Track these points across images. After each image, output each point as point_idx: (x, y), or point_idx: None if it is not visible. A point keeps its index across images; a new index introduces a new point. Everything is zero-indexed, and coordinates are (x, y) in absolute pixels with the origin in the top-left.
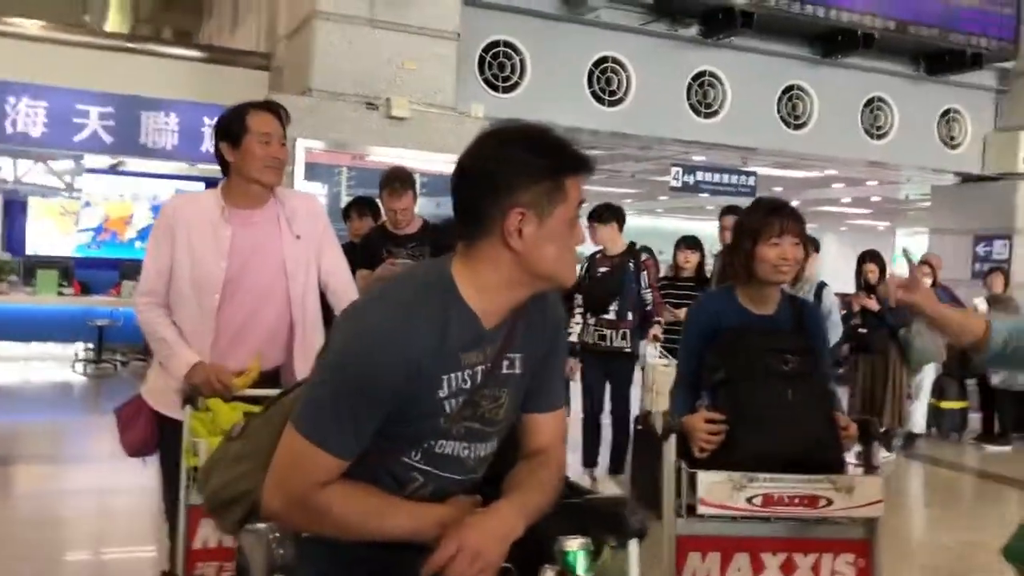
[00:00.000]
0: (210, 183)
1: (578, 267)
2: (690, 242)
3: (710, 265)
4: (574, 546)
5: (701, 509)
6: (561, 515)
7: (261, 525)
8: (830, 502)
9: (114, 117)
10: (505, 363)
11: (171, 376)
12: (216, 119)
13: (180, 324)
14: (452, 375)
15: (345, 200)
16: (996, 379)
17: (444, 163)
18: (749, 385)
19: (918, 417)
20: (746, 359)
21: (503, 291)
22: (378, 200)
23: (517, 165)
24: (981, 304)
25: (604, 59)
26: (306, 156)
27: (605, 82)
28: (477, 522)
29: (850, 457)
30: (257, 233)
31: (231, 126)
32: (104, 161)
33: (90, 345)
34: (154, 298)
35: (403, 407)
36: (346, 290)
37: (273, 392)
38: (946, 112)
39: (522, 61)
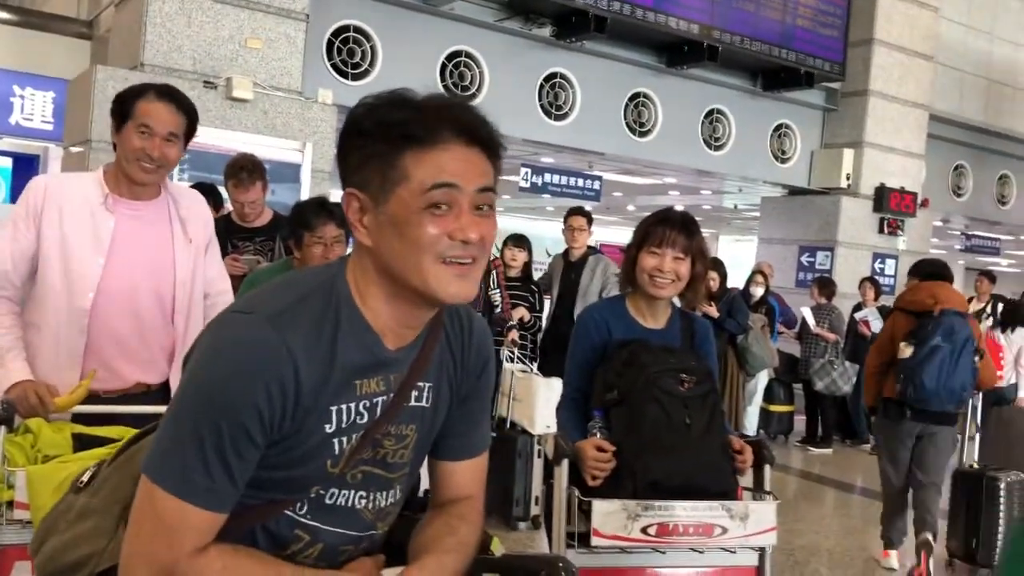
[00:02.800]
0: (19, 159)
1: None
2: (518, 240)
3: (538, 264)
4: None
5: (595, 540)
6: (477, 572)
7: None
8: (725, 530)
9: None
10: (413, 394)
11: None
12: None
13: (43, 324)
14: (343, 406)
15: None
16: (820, 385)
17: (288, 149)
18: (645, 407)
19: (751, 421)
20: (642, 379)
21: (388, 304)
22: (220, 188)
23: (351, 137)
24: (807, 314)
25: (458, 53)
26: None
27: (459, 76)
28: None
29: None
30: (144, 229)
31: (118, 104)
32: None
33: None
34: (4, 291)
35: (281, 445)
36: (227, 303)
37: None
38: (779, 127)
39: (373, 48)
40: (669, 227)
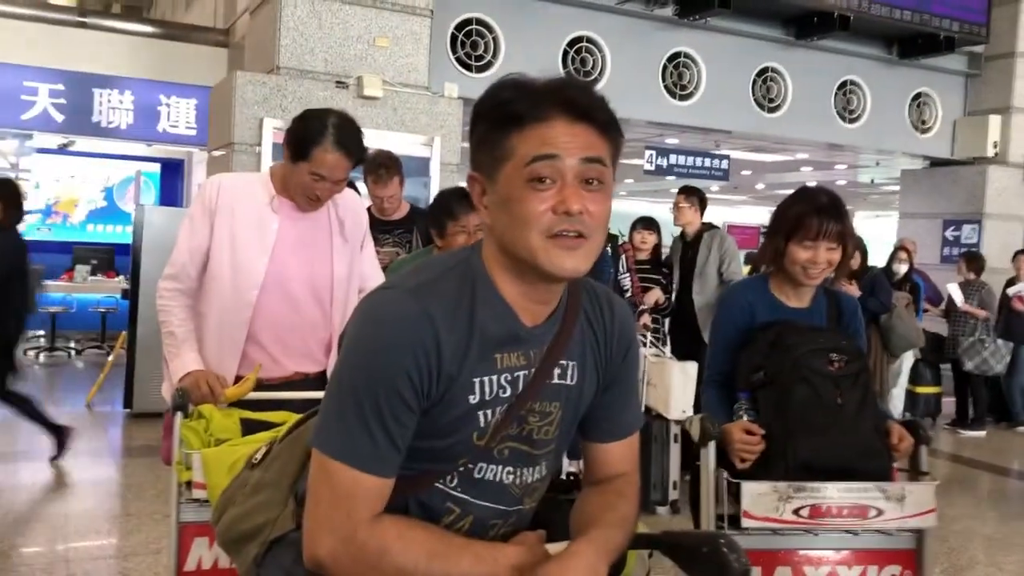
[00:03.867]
0: (167, 165)
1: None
2: (647, 223)
3: (666, 248)
4: None
5: (745, 522)
6: (639, 548)
7: None
8: (880, 512)
9: (65, 95)
10: (556, 371)
11: (170, 376)
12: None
13: (209, 313)
14: (485, 378)
15: None
16: (970, 364)
17: (417, 144)
18: (794, 388)
19: (897, 403)
20: (790, 360)
21: (515, 280)
22: (357, 184)
23: (472, 123)
24: (955, 290)
25: (579, 39)
26: (274, 137)
27: (580, 62)
28: (560, 570)
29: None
30: (306, 230)
31: (295, 142)
32: (53, 140)
33: (41, 333)
34: (181, 283)
35: (431, 413)
36: None
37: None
38: (917, 96)
39: (495, 40)
40: (823, 217)
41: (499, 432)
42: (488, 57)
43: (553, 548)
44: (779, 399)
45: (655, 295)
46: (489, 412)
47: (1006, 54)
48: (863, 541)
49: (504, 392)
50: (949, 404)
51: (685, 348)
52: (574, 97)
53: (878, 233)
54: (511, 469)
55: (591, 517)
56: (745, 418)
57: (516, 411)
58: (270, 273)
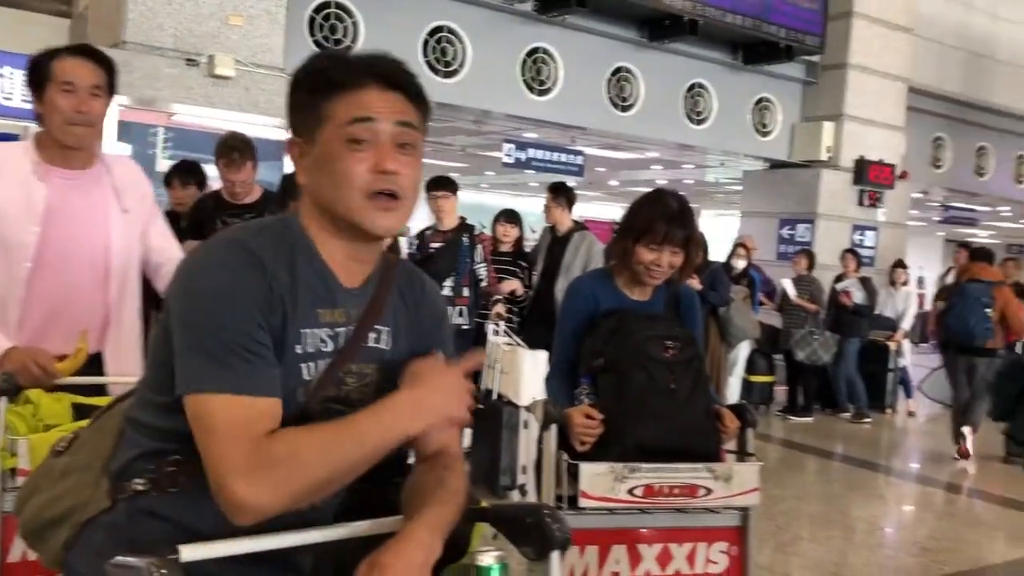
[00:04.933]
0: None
1: (407, 239)
2: (509, 216)
3: (531, 241)
4: (489, 560)
5: (583, 502)
6: (468, 523)
7: (134, 559)
8: (709, 491)
9: None
10: (372, 335)
11: None
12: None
13: None
14: (309, 331)
15: (162, 163)
16: (801, 355)
17: (270, 127)
18: (632, 373)
19: (733, 391)
20: (628, 346)
21: (332, 239)
22: (204, 166)
23: (290, 92)
24: (788, 285)
25: (439, 28)
26: (118, 114)
27: (440, 52)
28: (395, 556)
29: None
30: (79, 199)
31: (33, 71)
32: None
33: None
34: None
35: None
36: None
37: (99, 379)
38: (760, 101)
39: (355, 24)
40: (671, 224)
41: (319, 392)
42: (347, 42)
43: (391, 523)
44: (618, 384)
45: (511, 284)
46: (312, 365)
47: (839, 65)
48: (693, 519)
49: (325, 347)
50: (781, 392)
51: (543, 340)
52: (387, 68)
53: (722, 230)
54: None
55: (422, 495)
56: (586, 402)
57: (335, 371)
58: (41, 245)
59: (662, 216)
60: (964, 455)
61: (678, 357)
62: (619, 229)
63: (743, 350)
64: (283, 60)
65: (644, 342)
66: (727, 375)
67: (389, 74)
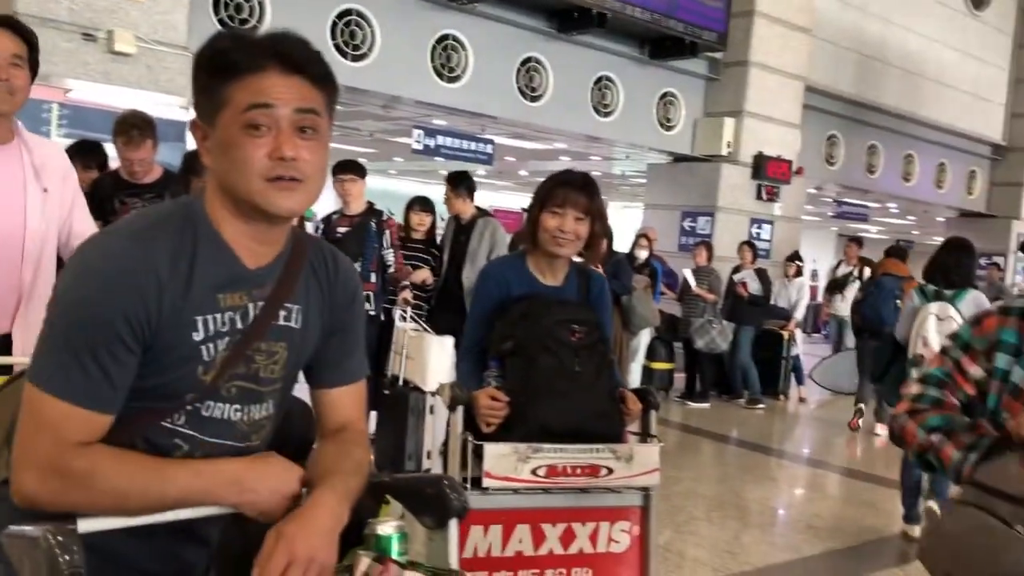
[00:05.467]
0: None
1: (312, 223)
2: (423, 204)
3: (441, 228)
4: (388, 530)
5: (486, 482)
6: (371, 494)
7: (30, 527)
8: (611, 471)
9: None
10: (282, 314)
11: None
12: None
13: None
14: (208, 317)
15: (56, 141)
16: (700, 343)
17: (172, 106)
18: (537, 356)
19: (635, 376)
20: (535, 330)
21: (236, 221)
22: (105, 145)
23: (193, 73)
24: (688, 275)
25: (348, 11)
26: None
27: (349, 35)
28: (301, 524)
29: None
30: None
31: None
32: None
33: None
34: None
35: (155, 349)
36: None
37: (6, 360)
38: (664, 95)
39: (261, 4)
40: (571, 188)
41: (226, 370)
42: (252, 22)
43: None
44: (524, 367)
45: (423, 274)
46: (212, 346)
47: (740, 62)
48: (595, 499)
49: (225, 327)
50: (681, 379)
51: (451, 326)
52: (289, 50)
53: (629, 222)
54: (239, 407)
55: (328, 465)
56: (493, 384)
57: (243, 349)
58: None
59: (562, 182)
60: (855, 427)
61: (584, 341)
62: (528, 209)
63: (644, 337)
64: (187, 38)
65: (552, 326)
66: (629, 361)
67: (291, 57)
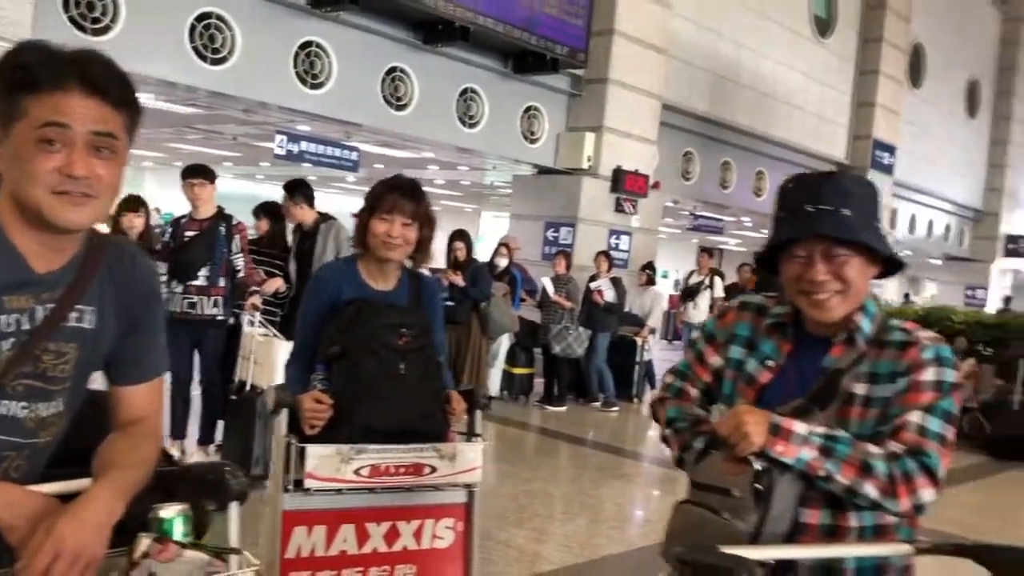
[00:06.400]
0: None
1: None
2: (267, 209)
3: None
4: (170, 513)
5: (308, 483)
6: (158, 483)
7: None
8: (434, 469)
9: None
10: (73, 315)
11: None
12: None
13: None
14: None
15: None
16: (557, 348)
17: None
18: (363, 359)
19: (493, 382)
20: (362, 334)
21: (26, 227)
22: None
23: None
24: (547, 283)
25: (207, 14)
26: None
27: (208, 39)
28: (70, 518)
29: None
30: None
31: None
32: None
33: None
34: None
35: None
36: None
37: None
38: (529, 109)
39: (115, 3)
40: (399, 194)
41: (11, 369)
42: (106, 20)
43: (82, 484)
44: (350, 370)
45: (275, 284)
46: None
47: (601, 79)
48: (419, 497)
49: (10, 328)
50: (541, 384)
51: None
52: (93, 71)
53: (498, 231)
54: (25, 404)
55: (112, 458)
56: (318, 387)
57: (30, 349)
58: None
59: (391, 188)
60: None
61: (412, 345)
62: (358, 214)
63: (504, 343)
64: (31, 35)
65: (379, 330)
66: (488, 367)
67: (94, 78)
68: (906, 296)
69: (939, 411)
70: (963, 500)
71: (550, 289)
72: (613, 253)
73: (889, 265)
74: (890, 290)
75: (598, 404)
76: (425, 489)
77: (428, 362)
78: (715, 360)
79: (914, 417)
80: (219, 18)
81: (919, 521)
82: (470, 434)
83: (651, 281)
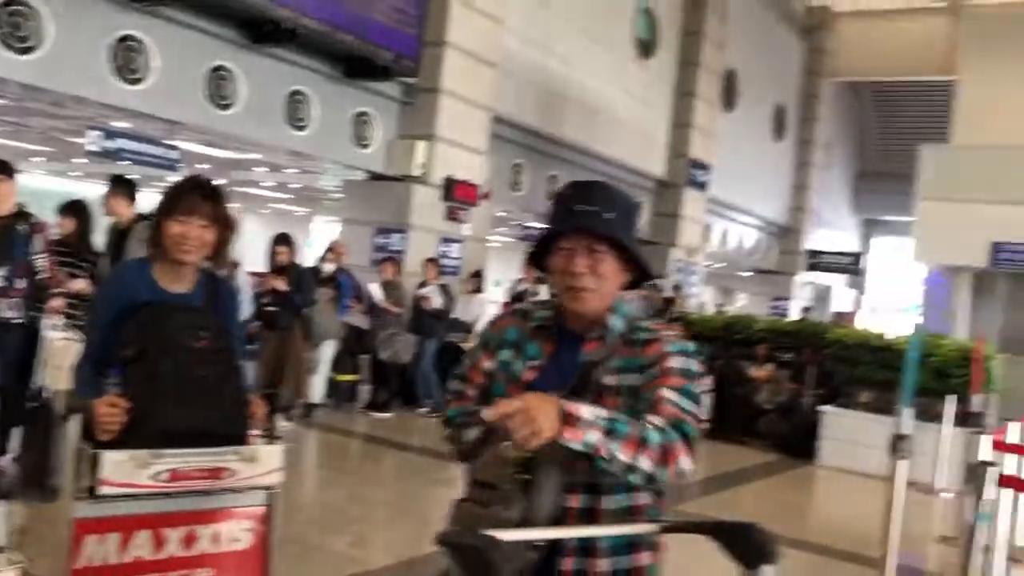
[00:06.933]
0: None
1: None
2: (71, 208)
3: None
4: None
5: (103, 489)
6: None
7: None
8: (234, 472)
9: None
10: None
11: None
12: None
13: None
14: None
15: None
16: (384, 354)
17: None
18: (161, 362)
19: (318, 388)
20: (159, 335)
21: None
22: None
23: None
24: (375, 289)
25: (11, 1)
26: None
27: (13, 27)
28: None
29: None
30: None
31: None
32: None
33: None
34: None
35: None
36: None
37: None
38: (360, 114)
39: None
40: (197, 196)
41: None
42: None
43: None
44: (146, 372)
45: (79, 285)
46: None
47: (433, 89)
48: (219, 500)
49: None
50: (367, 390)
51: None
52: None
53: (332, 236)
54: None
55: None
56: (112, 391)
57: None
58: None
59: (187, 189)
60: None
61: (210, 347)
62: (154, 215)
63: (328, 350)
64: None
65: (176, 332)
66: (310, 373)
67: None
68: (719, 306)
69: (688, 393)
70: (758, 494)
71: (378, 295)
72: (444, 261)
73: (642, 277)
74: (707, 300)
75: (424, 410)
76: (223, 492)
77: (228, 364)
78: (488, 364)
79: (669, 394)
80: (26, 4)
81: (667, 503)
82: (270, 436)
83: (478, 289)
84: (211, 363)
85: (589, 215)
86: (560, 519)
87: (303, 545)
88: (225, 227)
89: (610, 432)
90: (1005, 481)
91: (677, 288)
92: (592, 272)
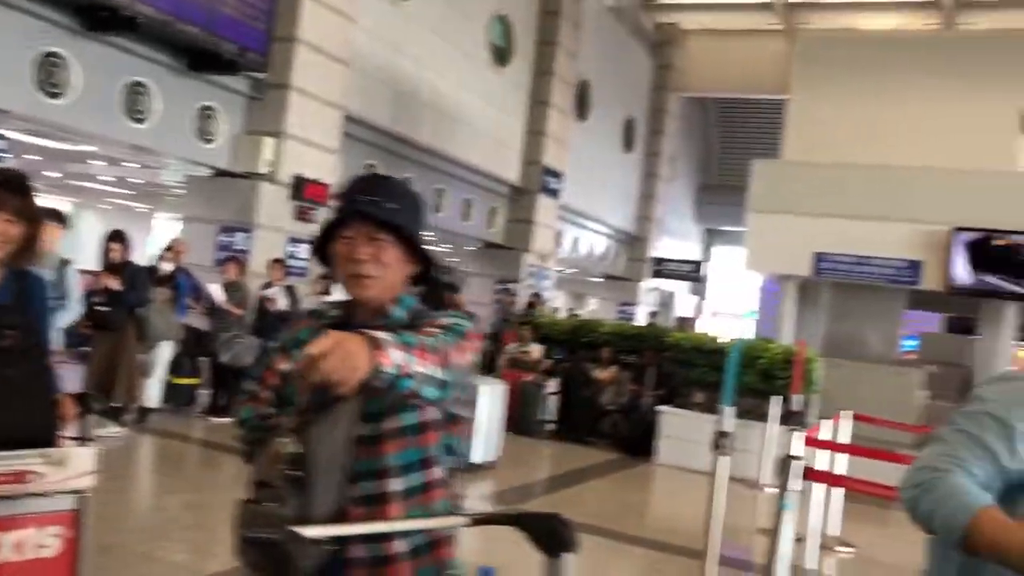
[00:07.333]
0: None
1: None
2: None
3: None
4: None
5: None
6: None
7: None
8: (42, 476)
9: None
10: None
11: None
12: None
13: None
14: None
15: None
16: (225, 357)
17: None
18: None
19: (153, 392)
20: None
21: None
22: None
23: None
24: (216, 290)
25: None
26: None
27: None
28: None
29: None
30: None
31: None
32: None
33: None
34: None
35: None
36: None
37: None
38: (205, 108)
39: None
40: (3, 189)
41: None
42: None
43: None
44: None
45: None
46: None
47: (282, 85)
48: (23, 505)
49: None
50: (205, 394)
51: None
52: None
53: (174, 234)
54: None
55: None
56: None
57: None
58: None
59: None
60: None
61: (15, 345)
62: None
63: (165, 352)
64: None
65: None
66: (145, 376)
67: None
68: (571, 310)
69: (451, 331)
70: (599, 493)
71: (219, 296)
72: (292, 261)
73: (426, 270)
74: (560, 305)
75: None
76: (29, 496)
77: (37, 363)
78: (284, 366)
79: (433, 329)
80: None
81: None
82: (82, 439)
83: (327, 291)
84: (18, 362)
85: (370, 203)
86: (342, 511)
87: (128, 553)
88: (33, 222)
89: (404, 346)
90: (812, 475)
91: (537, 295)
92: (374, 260)
